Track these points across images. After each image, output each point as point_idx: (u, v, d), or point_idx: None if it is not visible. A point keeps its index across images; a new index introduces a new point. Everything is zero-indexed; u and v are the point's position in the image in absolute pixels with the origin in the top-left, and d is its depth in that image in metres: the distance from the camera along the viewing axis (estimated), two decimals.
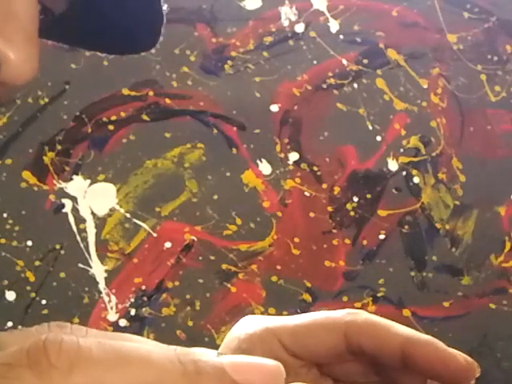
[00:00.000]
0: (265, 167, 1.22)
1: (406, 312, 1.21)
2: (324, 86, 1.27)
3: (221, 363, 0.25)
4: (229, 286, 1.18)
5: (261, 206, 1.21)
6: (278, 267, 1.20)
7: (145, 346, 0.25)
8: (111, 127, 1.21)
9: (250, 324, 0.42)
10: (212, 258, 1.19)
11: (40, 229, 1.16)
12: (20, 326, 1.13)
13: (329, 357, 0.41)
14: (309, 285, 1.20)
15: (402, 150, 1.26)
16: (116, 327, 1.15)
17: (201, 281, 1.18)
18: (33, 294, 1.14)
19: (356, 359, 0.41)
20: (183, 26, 1.26)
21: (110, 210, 1.18)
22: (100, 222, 1.17)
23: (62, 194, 1.17)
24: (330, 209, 1.23)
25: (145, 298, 1.16)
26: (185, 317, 1.17)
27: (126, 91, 1.22)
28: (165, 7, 0.41)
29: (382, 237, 1.23)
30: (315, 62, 1.27)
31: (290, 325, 0.41)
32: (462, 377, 0.38)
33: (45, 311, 1.14)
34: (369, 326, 0.40)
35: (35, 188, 1.17)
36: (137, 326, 1.16)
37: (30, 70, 0.32)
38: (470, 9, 1.32)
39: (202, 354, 0.25)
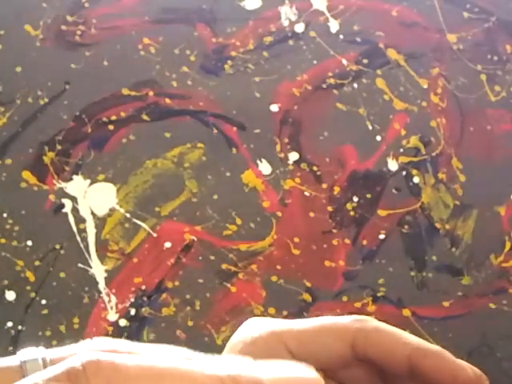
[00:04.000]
0: (265, 167, 1.22)
1: (406, 312, 1.21)
2: (324, 85, 1.26)
3: (260, 379, 0.24)
4: (229, 285, 1.18)
5: (261, 205, 1.21)
6: (278, 267, 1.20)
7: (183, 362, 0.24)
8: (111, 127, 1.21)
9: (256, 327, 0.41)
10: (212, 257, 1.19)
11: (40, 229, 1.16)
12: (20, 326, 1.13)
13: (335, 363, 0.40)
14: (309, 285, 1.20)
15: (401, 150, 1.26)
16: (116, 327, 1.15)
17: (201, 281, 1.18)
18: (33, 294, 1.14)
19: (362, 365, 0.41)
20: (183, 26, 1.26)
21: (110, 209, 1.18)
22: (100, 222, 1.17)
23: (62, 193, 1.18)
24: (329, 209, 1.23)
25: (145, 298, 1.16)
26: (185, 317, 1.17)
27: (125, 91, 1.22)
28: None
29: (381, 237, 1.23)
30: (315, 62, 1.27)
31: (297, 329, 0.41)
32: None
33: (45, 311, 1.14)
34: (377, 335, 0.39)
35: (35, 188, 1.17)
36: (137, 325, 1.16)
37: None
38: (469, 9, 1.32)
39: (241, 369, 0.24)
